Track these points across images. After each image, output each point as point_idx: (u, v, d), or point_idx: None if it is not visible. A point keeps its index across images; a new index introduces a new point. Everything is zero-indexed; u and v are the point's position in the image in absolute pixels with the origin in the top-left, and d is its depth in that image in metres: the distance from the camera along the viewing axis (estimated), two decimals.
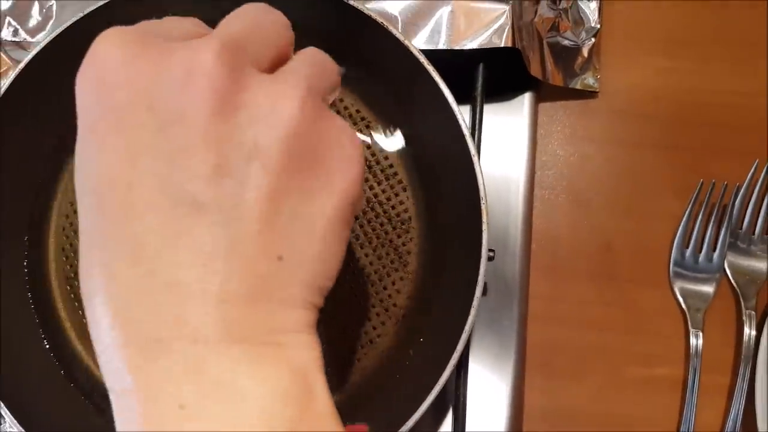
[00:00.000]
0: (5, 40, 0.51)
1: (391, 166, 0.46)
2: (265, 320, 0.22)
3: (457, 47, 0.47)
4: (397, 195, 0.45)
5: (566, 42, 0.52)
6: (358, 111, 0.46)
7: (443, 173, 0.44)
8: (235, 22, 0.26)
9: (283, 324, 0.22)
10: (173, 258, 0.21)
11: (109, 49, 0.23)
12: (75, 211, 0.46)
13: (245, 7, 0.27)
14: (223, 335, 0.21)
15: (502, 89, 0.51)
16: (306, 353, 0.23)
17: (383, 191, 0.45)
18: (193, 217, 0.22)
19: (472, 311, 0.39)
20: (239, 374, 0.21)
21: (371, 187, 0.45)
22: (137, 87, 0.22)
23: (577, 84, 0.52)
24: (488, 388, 0.48)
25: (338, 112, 0.46)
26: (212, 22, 0.28)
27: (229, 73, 0.22)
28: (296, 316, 0.23)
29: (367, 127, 0.46)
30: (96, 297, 0.22)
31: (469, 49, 0.47)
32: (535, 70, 0.49)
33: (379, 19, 0.41)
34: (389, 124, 0.46)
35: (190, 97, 0.22)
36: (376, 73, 0.45)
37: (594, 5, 0.53)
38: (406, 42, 0.41)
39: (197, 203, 0.22)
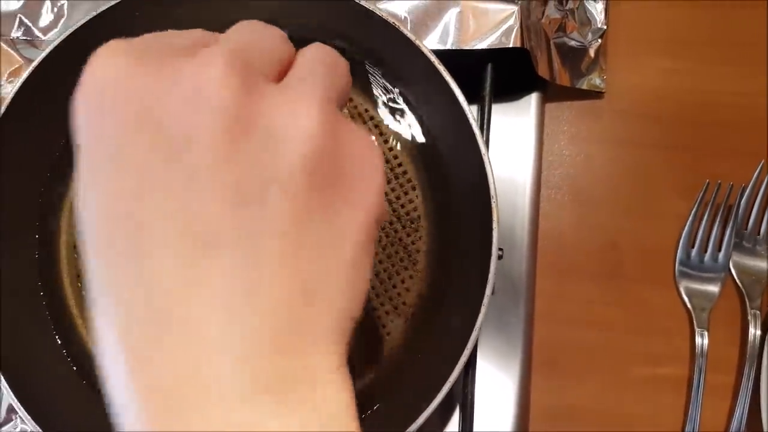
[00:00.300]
0: (17, 38, 0.51)
1: (400, 164, 0.46)
2: (292, 368, 0.20)
3: (465, 47, 0.48)
4: (406, 194, 0.46)
5: (573, 42, 0.52)
6: (366, 110, 0.47)
7: (453, 172, 0.44)
8: (234, 37, 0.24)
9: (312, 369, 0.21)
10: (190, 305, 0.19)
11: (108, 64, 0.21)
12: None
13: (241, 24, 0.25)
14: (248, 388, 0.19)
15: (509, 89, 0.51)
16: (336, 397, 0.21)
17: (392, 190, 0.46)
18: (209, 257, 0.20)
19: (483, 310, 0.39)
20: (267, 428, 0.19)
21: None
22: (140, 107, 0.20)
23: (584, 84, 0.52)
24: (495, 387, 0.48)
25: (348, 111, 0.46)
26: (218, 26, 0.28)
27: (240, 87, 0.21)
28: (325, 358, 0.21)
29: (376, 126, 0.46)
30: (109, 351, 0.20)
31: (479, 49, 0.47)
32: (542, 71, 0.49)
33: (390, 20, 0.42)
34: (401, 121, 0.46)
35: (200, 118, 0.20)
36: (386, 72, 0.46)
37: (600, 6, 0.53)
38: (417, 42, 0.41)
39: (213, 241, 0.20)
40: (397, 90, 0.46)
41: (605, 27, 0.53)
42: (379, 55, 0.45)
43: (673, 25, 0.55)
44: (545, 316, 0.50)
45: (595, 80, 0.53)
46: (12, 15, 0.51)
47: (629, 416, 0.49)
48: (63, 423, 0.42)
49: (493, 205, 0.40)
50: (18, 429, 0.47)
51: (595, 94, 0.53)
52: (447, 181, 0.45)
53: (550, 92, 0.53)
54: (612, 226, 0.52)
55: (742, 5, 0.55)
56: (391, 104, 0.46)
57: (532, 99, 0.52)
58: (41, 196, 0.47)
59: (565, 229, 0.52)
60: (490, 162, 0.40)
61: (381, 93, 0.46)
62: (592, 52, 0.53)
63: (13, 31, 0.51)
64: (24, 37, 0.51)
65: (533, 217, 0.51)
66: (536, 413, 0.49)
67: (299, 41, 0.47)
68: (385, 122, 0.46)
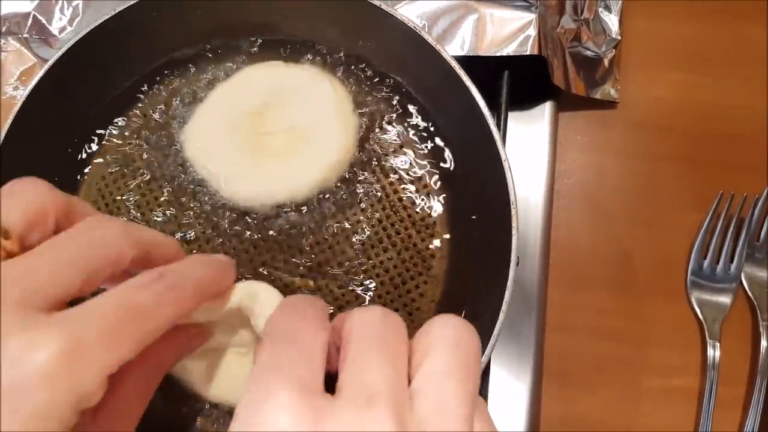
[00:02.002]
0: (31, 37, 0.51)
1: (415, 171, 0.46)
2: None
3: (482, 54, 0.48)
4: (422, 199, 0.45)
5: (588, 52, 0.52)
6: (382, 115, 0.46)
7: (471, 177, 0.44)
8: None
9: None
10: None
11: None
12: (98, 210, 0.46)
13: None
14: None
15: (523, 98, 0.52)
16: None
17: (407, 196, 0.45)
18: None
19: (501, 317, 0.39)
20: None
21: (395, 191, 0.45)
22: None
23: (598, 94, 0.53)
24: (507, 396, 0.48)
25: (371, 114, 0.46)
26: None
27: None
28: None
29: (392, 131, 0.46)
30: None
31: (497, 56, 0.47)
32: (558, 79, 0.49)
33: (411, 24, 0.42)
34: (418, 126, 0.46)
35: None
36: (404, 76, 0.46)
37: (615, 17, 0.53)
38: (438, 47, 0.41)
39: None
40: (414, 94, 0.46)
41: (620, 38, 0.53)
42: (397, 59, 0.45)
43: (687, 39, 0.55)
44: (558, 326, 0.50)
45: (609, 90, 0.53)
46: (25, 14, 0.51)
47: (641, 427, 0.49)
48: None
49: (513, 211, 0.39)
50: None
51: (608, 104, 0.53)
52: (464, 187, 0.45)
53: (564, 101, 0.53)
54: (624, 236, 0.52)
55: (756, 21, 0.55)
56: (406, 109, 0.46)
57: (546, 108, 0.53)
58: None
59: (578, 239, 0.52)
60: (510, 168, 0.40)
61: (396, 97, 0.46)
62: (606, 62, 0.53)
63: (27, 29, 0.51)
64: (38, 36, 0.51)
65: (546, 226, 0.51)
66: (549, 422, 0.49)
67: (327, 55, 0.47)
68: (400, 126, 0.46)
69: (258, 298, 0.32)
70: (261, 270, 0.44)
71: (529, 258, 0.50)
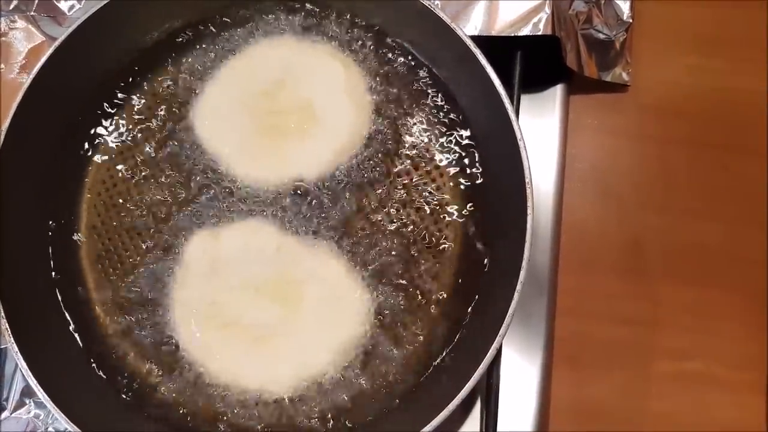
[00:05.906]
0: (39, 14, 0.50)
1: (428, 150, 0.45)
2: None
3: (495, 34, 0.47)
4: (434, 180, 0.45)
5: (600, 35, 0.52)
6: (397, 95, 0.46)
7: (485, 158, 0.44)
8: None
9: None
10: None
11: None
12: (107, 189, 0.46)
13: None
14: None
15: (535, 80, 0.51)
16: None
17: (420, 176, 0.45)
18: None
19: (516, 297, 0.38)
20: None
21: (407, 172, 0.45)
22: None
23: (609, 77, 0.52)
24: (518, 379, 0.48)
25: (385, 94, 0.46)
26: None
27: None
28: None
29: (406, 114, 0.46)
30: None
31: (511, 37, 0.47)
32: (570, 61, 0.49)
33: (427, 3, 0.41)
34: (433, 107, 0.46)
35: None
36: (418, 54, 0.45)
37: (627, 0, 0.53)
38: (453, 25, 0.41)
39: None
40: (429, 73, 0.46)
41: (631, 20, 0.53)
42: (412, 38, 0.45)
43: (700, 22, 0.55)
44: (568, 311, 0.50)
45: (621, 73, 0.52)
46: None
47: (652, 411, 0.48)
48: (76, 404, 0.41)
49: (528, 191, 0.39)
50: (32, 413, 0.46)
51: (619, 88, 0.53)
52: (478, 168, 0.44)
53: (575, 85, 0.53)
54: (635, 221, 0.52)
55: None
56: (421, 89, 0.46)
57: (558, 90, 0.52)
58: (60, 172, 0.46)
59: (589, 223, 0.52)
60: (525, 147, 0.39)
61: (411, 77, 0.46)
62: (617, 45, 0.52)
63: (35, 7, 0.50)
64: (46, 14, 0.50)
65: (557, 210, 0.51)
66: (559, 407, 0.48)
67: (340, 30, 0.47)
68: (413, 107, 0.46)
69: None
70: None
71: (540, 242, 0.50)
